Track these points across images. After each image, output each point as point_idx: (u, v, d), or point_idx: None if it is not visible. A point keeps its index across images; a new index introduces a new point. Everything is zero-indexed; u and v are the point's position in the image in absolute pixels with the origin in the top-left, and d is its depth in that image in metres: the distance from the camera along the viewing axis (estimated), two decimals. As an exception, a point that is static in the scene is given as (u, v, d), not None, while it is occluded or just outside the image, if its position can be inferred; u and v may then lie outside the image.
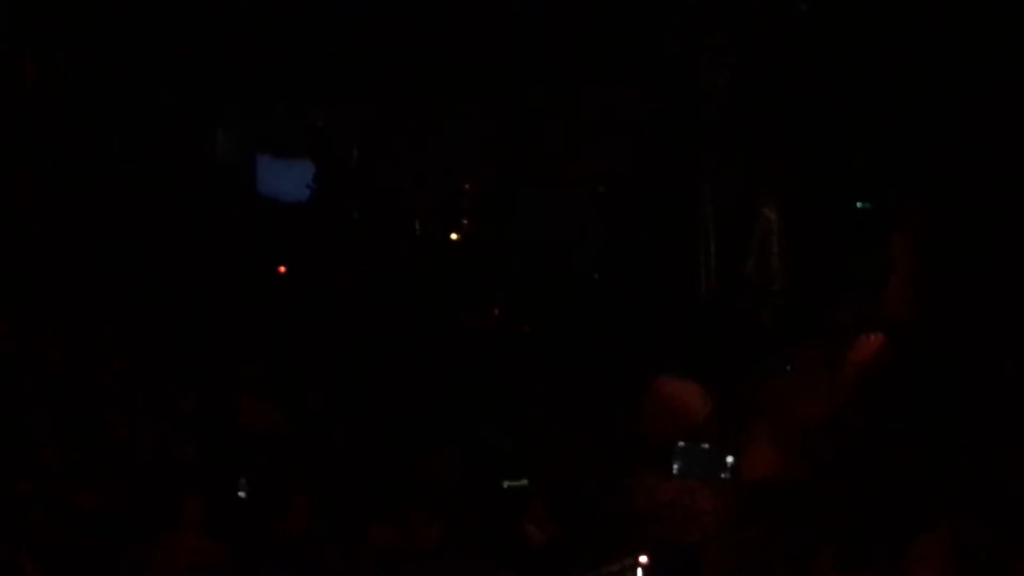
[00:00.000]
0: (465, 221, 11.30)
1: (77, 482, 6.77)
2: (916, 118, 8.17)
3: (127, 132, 10.26)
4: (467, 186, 11.26)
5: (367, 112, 11.13)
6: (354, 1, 10.23)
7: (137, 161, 10.26)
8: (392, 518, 6.97)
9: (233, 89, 10.91)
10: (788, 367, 7.00)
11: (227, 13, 10.30)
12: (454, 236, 11.34)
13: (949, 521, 4.98)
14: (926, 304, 6.33)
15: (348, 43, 10.46)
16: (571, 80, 10.21)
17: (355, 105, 11.11)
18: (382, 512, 7.02)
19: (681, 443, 5.10)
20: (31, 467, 6.88)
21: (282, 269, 10.81)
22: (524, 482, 7.53)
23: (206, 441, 7.56)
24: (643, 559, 4.97)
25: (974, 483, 5.22)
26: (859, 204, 8.84)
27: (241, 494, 7.24)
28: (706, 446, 5.10)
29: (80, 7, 9.92)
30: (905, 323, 6.08)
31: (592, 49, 9.86)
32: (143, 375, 8.01)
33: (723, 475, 5.11)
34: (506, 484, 7.54)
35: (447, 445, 7.79)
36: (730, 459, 5.12)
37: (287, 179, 11.47)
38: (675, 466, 5.12)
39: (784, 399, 5.82)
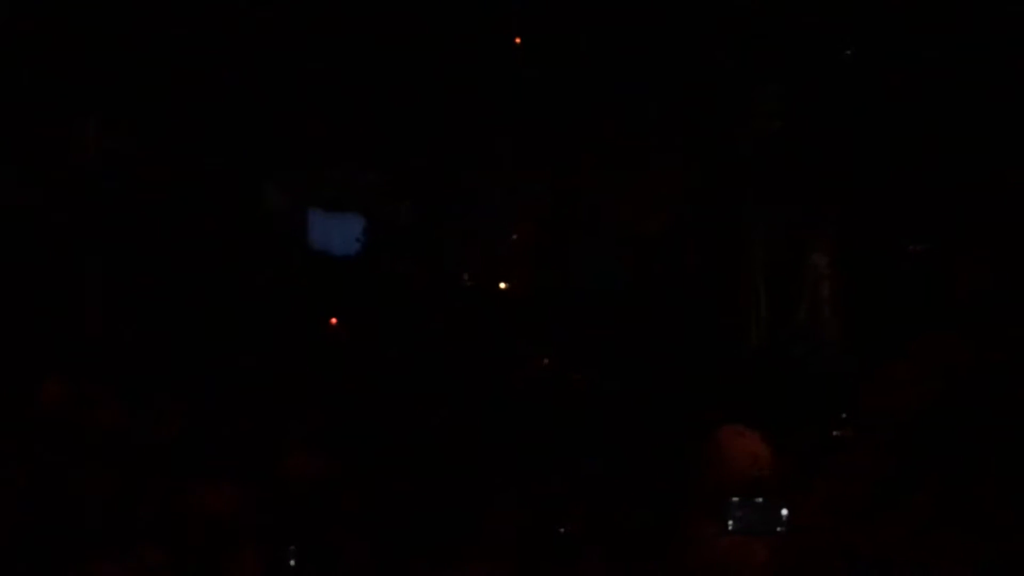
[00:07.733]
0: (514, 271, 11.30)
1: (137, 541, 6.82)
2: (967, 160, 8.15)
3: (183, 189, 10.34)
4: (515, 236, 11.26)
5: (417, 167, 11.17)
6: (403, 58, 10.30)
7: (189, 217, 10.34)
8: (449, 567, 6.97)
9: (285, 144, 10.98)
10: (844, 415, 6.99)
11: (281, 70, 10.40)
12: (503, 285, 11.34)
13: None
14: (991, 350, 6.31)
15: (398, 99, 10.53)
16: (619, 129, 10.22)
17: (405, 160, 11.16)
18: (438, 561, 7.03)
19: (735, 498, 5.09)
20: (91, 528, 6.93)
21: (334, 321, 10.83)
22: None
23: (261, 496, 7.58)
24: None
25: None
26: (912, 247, 8.81)
27: (295, 549, 7.26)
28: (760, 500, 5.08)
29: (138, 67, 10.02)
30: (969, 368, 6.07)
31: (641, 98, 9.87)
32: (197, 434, 8.06)
33: (779, 528, 5.09)
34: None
35: (503, 493, 7.79)
36: (785, 512, 5.10)
37: (337, 233, 11.54)
38: (730, 522, 5.11)
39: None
